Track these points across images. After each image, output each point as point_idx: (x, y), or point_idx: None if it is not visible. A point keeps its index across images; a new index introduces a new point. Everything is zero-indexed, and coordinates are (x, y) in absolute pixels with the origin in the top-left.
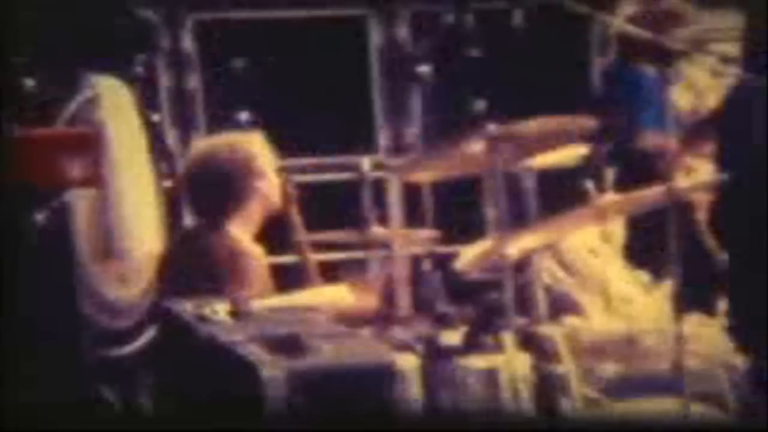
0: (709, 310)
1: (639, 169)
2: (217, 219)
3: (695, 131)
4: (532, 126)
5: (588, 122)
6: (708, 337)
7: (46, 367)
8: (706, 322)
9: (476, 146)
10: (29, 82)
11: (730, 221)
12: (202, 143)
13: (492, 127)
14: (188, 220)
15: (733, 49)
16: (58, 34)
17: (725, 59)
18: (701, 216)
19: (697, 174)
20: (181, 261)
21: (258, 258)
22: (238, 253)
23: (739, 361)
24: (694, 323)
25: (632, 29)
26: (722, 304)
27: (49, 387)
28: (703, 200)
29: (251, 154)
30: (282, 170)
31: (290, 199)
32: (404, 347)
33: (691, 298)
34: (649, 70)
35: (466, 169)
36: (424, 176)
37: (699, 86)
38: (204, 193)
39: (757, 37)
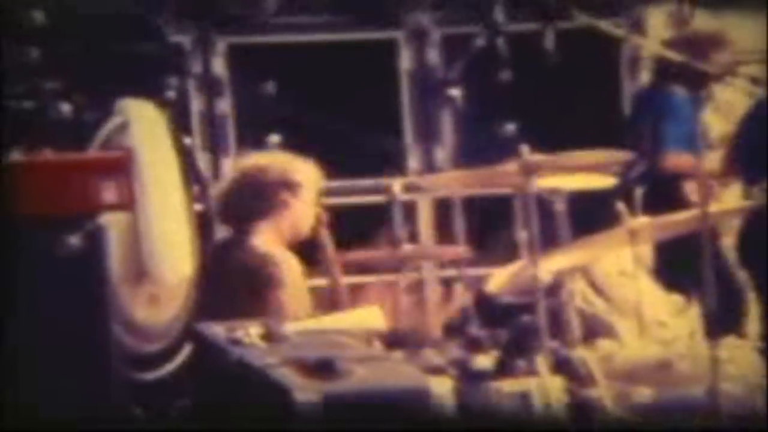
0: (742, 332)
1: (666, 191)
2: (244, 226)
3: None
4: (570, 158)
5: (625, 156)
6: (743, 359)
7: (75, 389)
8: (741, 344)
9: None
10: (64, 107)
11: (761, 244)
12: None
13: (528, 154)
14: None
15: (762, 70)
16: (91, 60)
17: (755, 80)
18: (731, 240)
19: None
20: (214, 275)
21: (290, 262)
22: (271, 256)
23: None
24: (729, 346)
25: (667, 53)
26: (755, 327)
27: (78, 409)
28: (733, 224)
29: (291, 169)
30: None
31: (321, 222)
32: (437, 371)
33: (724, 321)
34: (680, 92)
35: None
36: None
37: (732, 109)
38: (236, 200)
39: None
